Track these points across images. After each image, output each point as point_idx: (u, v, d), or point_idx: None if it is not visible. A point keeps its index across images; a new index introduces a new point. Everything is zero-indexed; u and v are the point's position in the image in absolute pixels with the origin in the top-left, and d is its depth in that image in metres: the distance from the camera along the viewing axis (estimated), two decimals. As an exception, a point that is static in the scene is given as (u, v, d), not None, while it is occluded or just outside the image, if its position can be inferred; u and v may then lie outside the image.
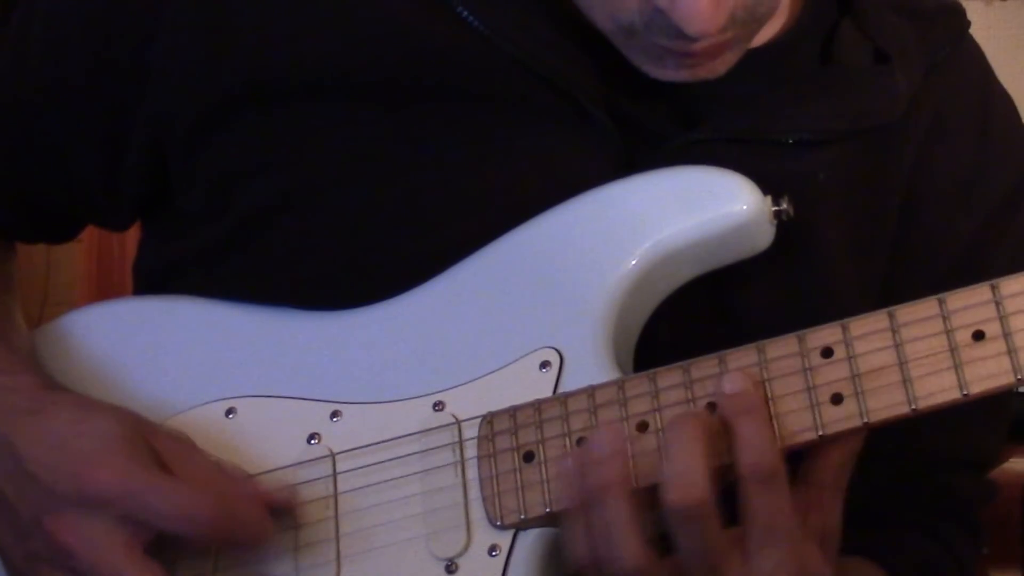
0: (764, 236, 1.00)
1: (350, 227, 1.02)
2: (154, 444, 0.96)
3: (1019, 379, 0.88)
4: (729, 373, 0.91)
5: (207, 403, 1.03)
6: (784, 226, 1.00)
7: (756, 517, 0.88)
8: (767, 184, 0.99)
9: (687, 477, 0.87)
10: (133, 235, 1.18)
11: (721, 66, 1.00)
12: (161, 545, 0.95)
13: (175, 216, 1.10)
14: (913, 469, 1.11)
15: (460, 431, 0.97)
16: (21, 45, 1.10)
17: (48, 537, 0.94)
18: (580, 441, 0.94)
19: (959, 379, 0.89)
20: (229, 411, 1.03)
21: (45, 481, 0.94)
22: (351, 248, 1.02)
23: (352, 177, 1.02)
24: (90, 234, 2.61)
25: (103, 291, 3.03)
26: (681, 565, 0.89)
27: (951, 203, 1.11)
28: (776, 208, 0.99)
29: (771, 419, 0.90)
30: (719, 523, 0.88)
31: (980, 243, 1.10)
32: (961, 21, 1.15)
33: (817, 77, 1.08)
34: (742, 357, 0.93)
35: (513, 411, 0.96)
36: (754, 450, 0.88)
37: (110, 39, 1.06)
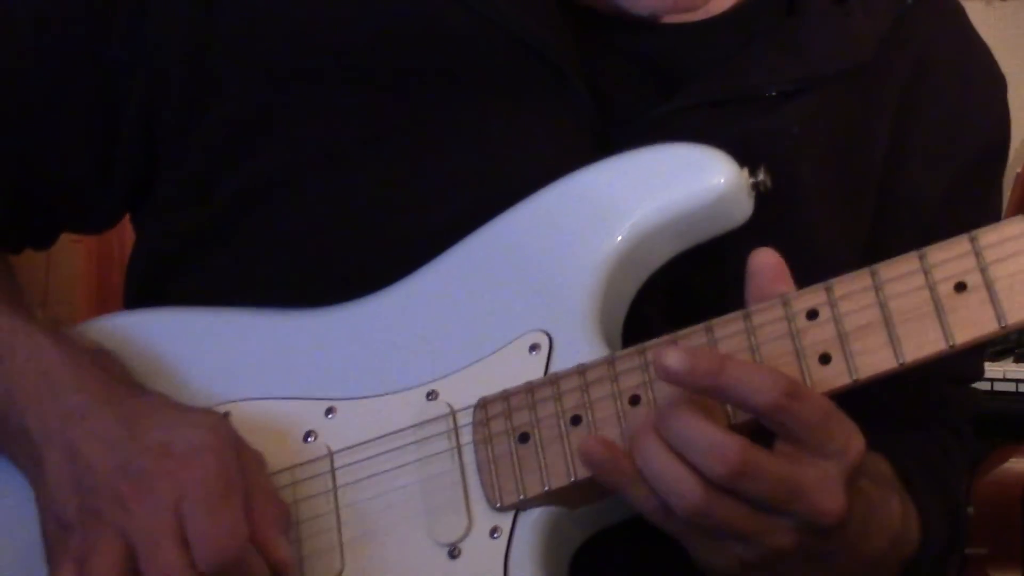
0: (743, 208, 1.01)
1: (330, 216, 1.03)
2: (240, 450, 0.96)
3: (1003, 326, 0.89)
4: (661, 356, 0.89)
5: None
6: (765, 192, 1.01)
7: (809, 422, 0.88)
8: (746, 144, 1.00)
9: (715, 447, 0.87)
10: (133, 236, 1.18)
11: None
12: None
13: (162, 207, 1.10)
14: (911, 381, 1.12)
15: (455, 418, 0.98)
16: (8, 26, 1.10)
17: (117, 491, 0.93)
18: (575, 419, 0.95)
19: (944, 331, 0.90)
20: (225, 416, 1.03)
21: (154, 450, 0.94)
22: (332, 239, 1.03)
23: (332, 165, 1.04)
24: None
25: (102, 291, 3.04)
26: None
27: (935, 150, 1.12)
28: (753, 180, 1.00)
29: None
30: (769, 460, 0.88)
31: (958, 191, 1.12)
32: None
33: (779, 30, 1.09)
34: (728, 325, 0.94)
35: (506, 395, 0.97)
36: (757, 389, 0.87)
37: (105, 16, 1.07)
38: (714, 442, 0.88)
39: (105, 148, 1.09)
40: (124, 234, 1.19)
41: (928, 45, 1.13)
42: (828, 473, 0.88)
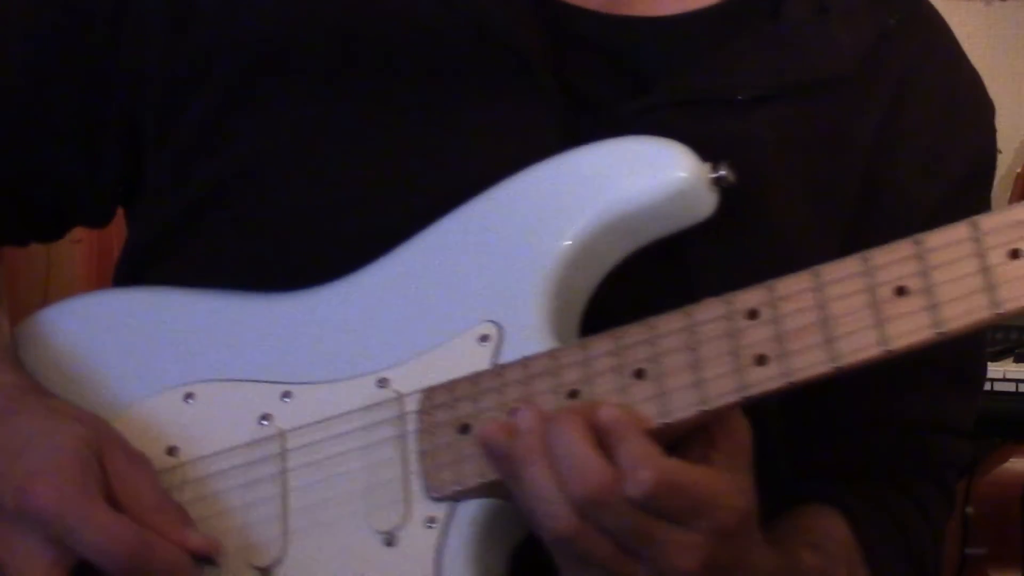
0: (705, 203, 0.99)
1: (296, 206, 1.04)
2: (108, 465, 0.97)
3: (939, 333, 0.87)
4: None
5: (166, 389, 1.05)
6: (734, 189, 0.99)
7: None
8: (716, 146, 0.99)
9: (579, 467, 0.86)
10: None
11: None
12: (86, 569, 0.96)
13: (146, 200, 1.12)
14: (889, 429, 1.11)
15: (402, 406, 0.98)
16: None
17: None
18: (515, 412, 0.94)
19: (880, 335, 0.88)
20: (188, 396, 1.05)
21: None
22: (298, 227, 1.04)
23: (299, 154, 1.04)
24: (90, 234, 2.65)
25: (103, 291, 3.08)
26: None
27: (919, 168, 1.10)
28: (715, 175, 0.98)
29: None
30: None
31: (943, 211, 1.09)
32: None
33: (760, 34, 1.08)
34: (670, 322, 0.93)
35: (451, 384, 0.97)
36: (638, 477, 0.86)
37: (83, 18, 1.09)
38: (587, 461, 0.87)
39: (92, 146, 1.11)
40: (124, 234, 1.20)
41: (913, 65, 1.10)
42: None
